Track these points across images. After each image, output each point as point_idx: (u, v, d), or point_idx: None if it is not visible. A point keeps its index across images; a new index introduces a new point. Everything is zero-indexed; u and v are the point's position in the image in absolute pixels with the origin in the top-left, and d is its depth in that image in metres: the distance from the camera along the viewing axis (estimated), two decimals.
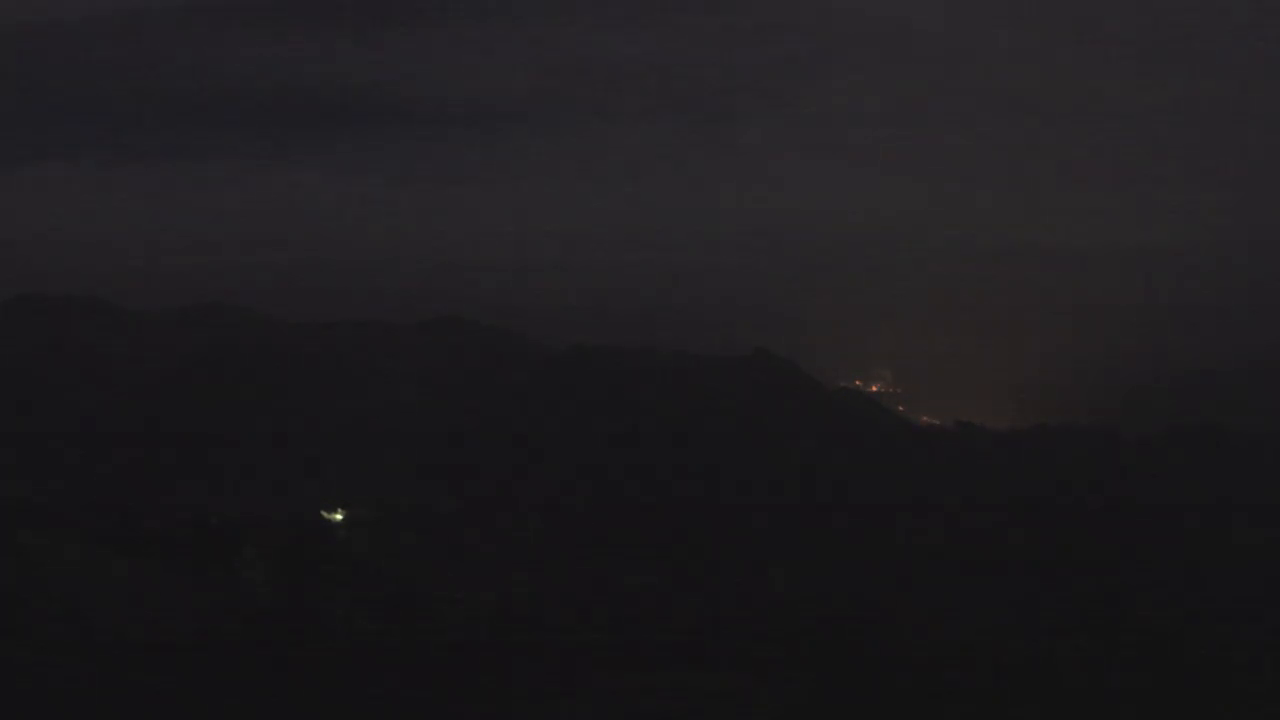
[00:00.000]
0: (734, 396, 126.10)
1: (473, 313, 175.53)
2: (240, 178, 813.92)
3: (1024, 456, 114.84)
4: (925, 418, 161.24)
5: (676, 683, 66.29)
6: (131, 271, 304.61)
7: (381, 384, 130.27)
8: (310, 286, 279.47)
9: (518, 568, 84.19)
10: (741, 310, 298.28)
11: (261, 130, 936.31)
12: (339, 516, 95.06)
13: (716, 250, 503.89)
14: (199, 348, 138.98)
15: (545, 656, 68.28)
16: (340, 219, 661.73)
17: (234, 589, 75.01)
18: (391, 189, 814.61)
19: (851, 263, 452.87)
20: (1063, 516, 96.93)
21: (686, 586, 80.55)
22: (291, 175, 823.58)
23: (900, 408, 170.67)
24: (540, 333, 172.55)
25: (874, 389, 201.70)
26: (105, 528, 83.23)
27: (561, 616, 73.76)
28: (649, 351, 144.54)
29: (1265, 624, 75.16)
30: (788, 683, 66.85)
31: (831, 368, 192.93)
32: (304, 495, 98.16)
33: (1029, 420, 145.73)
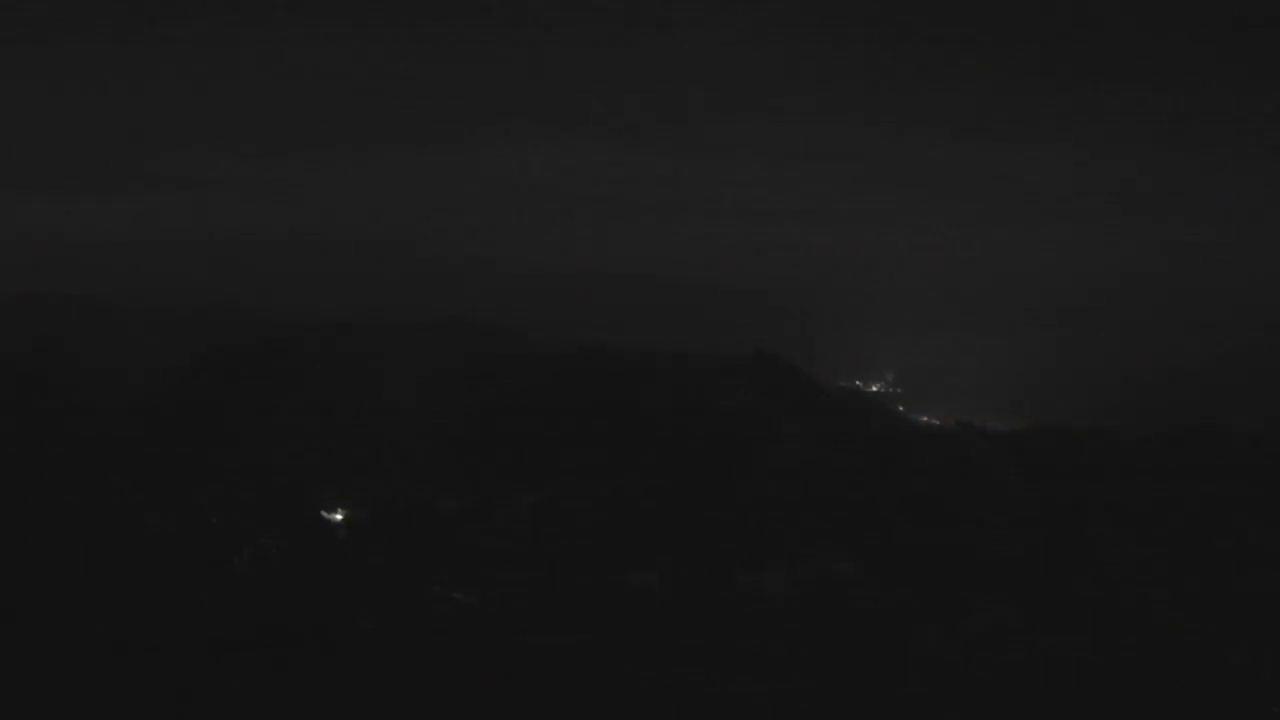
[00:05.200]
0: (734, 396, 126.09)
1: (473, 313, 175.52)
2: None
3: (1024, 456, 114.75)
4: (925, 418, 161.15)
5: (678, 682, 66.35)
6: (132, 271, 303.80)
7: (381, 384, 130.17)
8: (311, 286, 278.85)
9: (518, 568, 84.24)
10: (741, 310, 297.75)
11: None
12: (339, 516, 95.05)
13: (717, 249, 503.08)
14: (198, 347, 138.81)
15: (546, 656, 68.39)
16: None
17: (234, 589, 75.26)
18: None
19: (851, 262, 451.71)
20: (1063, 516, 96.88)
21: (687, 586, 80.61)
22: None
23: (900, 408, 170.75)
24: (540, 333, 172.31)
25: (874, 389, 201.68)
26: (106, 528, 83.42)
27: (562, 616, 74.02)
28: (649, 351, 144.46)
29: (1265, 624, 75.23)
30: (788, 683, 66.92)
31: (831, 368, 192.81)
32: (304, 495, 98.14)
33: (1029, 420, 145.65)
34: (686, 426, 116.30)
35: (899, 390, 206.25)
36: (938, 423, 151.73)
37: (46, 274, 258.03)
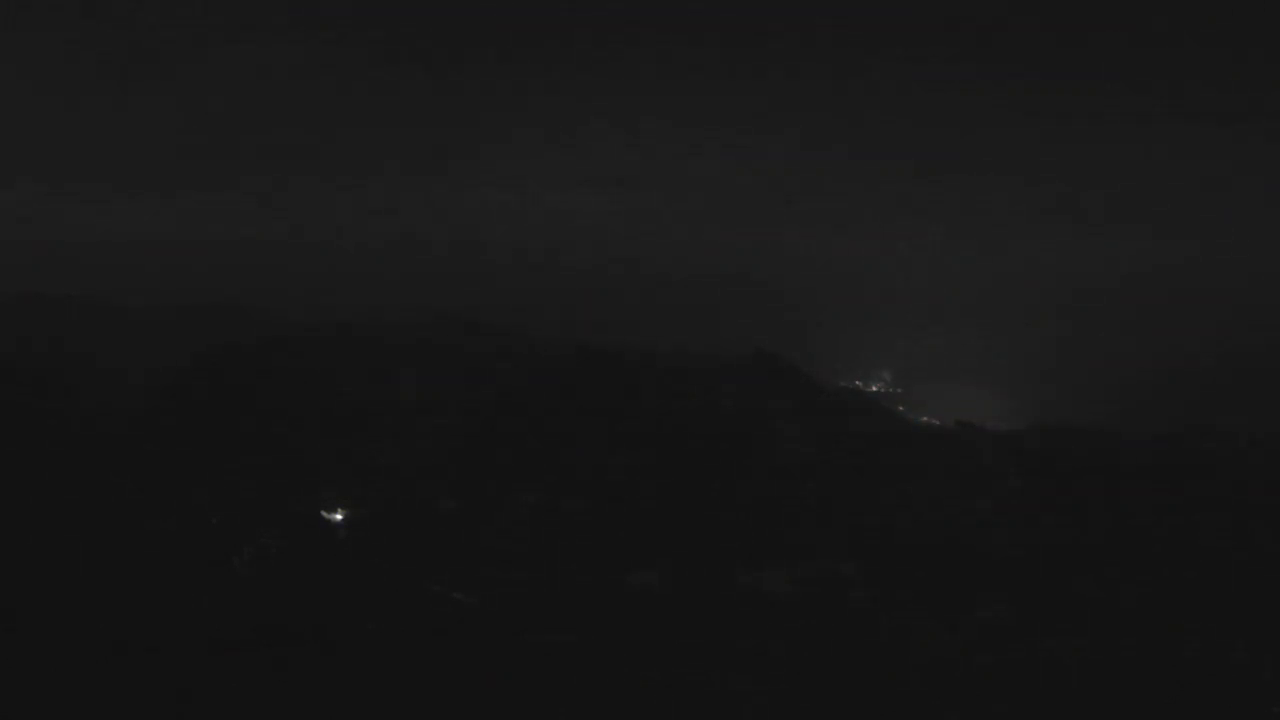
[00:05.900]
0: (734, 396, 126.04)
1: (473, 313, 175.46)
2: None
3: (1024, 456, 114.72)
4: (925, 418, 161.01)
5: (678, 682, 66.32)
6: (132, 271, 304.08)
7: (381, 384, 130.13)
8: (312, 286, 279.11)
9: (518, 568, 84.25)
10: (741, 310, 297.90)
11: None
12: (339, 516, 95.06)
13: (718, 250, 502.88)
14: (199, 347, 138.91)
15: (546, 656, 68.33)
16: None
17: (234, 589, 75.27)
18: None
19: (851, 262, 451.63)
20: (1063, 516, 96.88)
21: (687, 586, 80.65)
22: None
23: (900, 408, 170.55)
24: (540, 333, 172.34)
25: (874, 389, 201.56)
26: (106, 528, 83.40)
27: (563, 616, 74.01)
28: (649, 351, 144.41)
29: (1265, 624, 75.22)
30: (788, 683, 66.84)
31: (831, 368, 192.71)
32: (304, 495, 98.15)
33: (1030, 420, 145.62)
34: (686, 426, 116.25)
35: (899, 390, 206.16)
36: (938, 423, 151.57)
37: (46, 274, 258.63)
